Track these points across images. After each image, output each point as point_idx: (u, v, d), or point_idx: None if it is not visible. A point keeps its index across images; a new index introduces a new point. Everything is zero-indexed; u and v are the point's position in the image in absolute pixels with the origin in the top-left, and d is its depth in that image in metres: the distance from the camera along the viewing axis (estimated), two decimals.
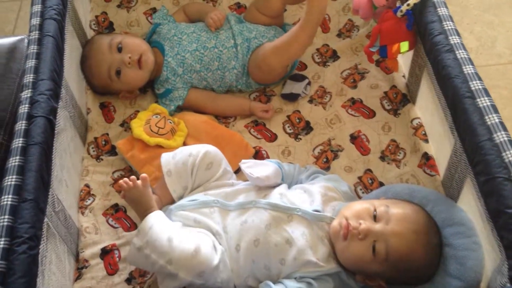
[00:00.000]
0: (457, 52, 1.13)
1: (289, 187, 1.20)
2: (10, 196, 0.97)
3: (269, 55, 1.39)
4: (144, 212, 1.08)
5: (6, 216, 0.94)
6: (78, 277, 1.17)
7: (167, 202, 1.18)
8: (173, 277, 1.00)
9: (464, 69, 1.09)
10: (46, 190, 1.03)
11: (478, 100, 1.03)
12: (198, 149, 1.19)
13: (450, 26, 1.18)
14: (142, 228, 1.04)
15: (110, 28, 1.63)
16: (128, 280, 1.16)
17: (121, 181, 1.11)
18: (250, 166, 1.16)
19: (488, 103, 1.02)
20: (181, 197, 1.18)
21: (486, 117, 1.00)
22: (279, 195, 1.12)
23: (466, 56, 1.12)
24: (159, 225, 1.04)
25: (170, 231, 1.03)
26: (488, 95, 1.04)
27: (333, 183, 1.18)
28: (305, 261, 1.03)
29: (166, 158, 1.19)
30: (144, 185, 1.11)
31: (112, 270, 1.18)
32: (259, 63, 1.42)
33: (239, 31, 1.46)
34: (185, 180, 1.17)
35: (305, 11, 1.32)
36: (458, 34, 1.17)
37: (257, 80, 1.47)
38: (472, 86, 1.05)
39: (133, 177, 1.12)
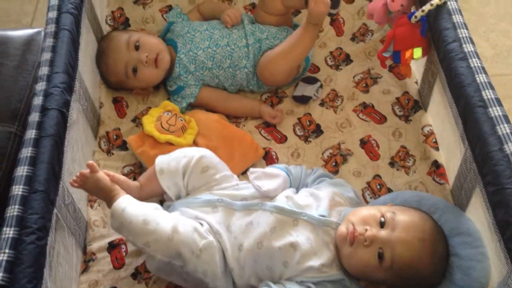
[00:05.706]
0: (470, 60, 1.12)
1: (296, 189, 1.20)
2: (21, 186, 0.98)
3: (272, 61, 1.39)
4: (109, 195, 1.08)
5: (17, 206, 0.95)
6: (85, 269, 1.18)
7: (148, 192, 1.18)
8: (153, 257, 1.03)
9: (477, 78, 1.08)
10: (56, 182, 1.04)
11: (490, 109, 1.02)
12: (193, 153, 1.18)
13: (465, 34, 1.18)
14: (114, 210, 1.04)
15: (125, 24, 1.64)
16: (134, 275, 1.17)
17: (70, 181, 1.11)
18: (259, 177, 1.15)
19: (500, 113, 1.01)
20: (178, 195, 1.17)
21: (498, 127, 0.99)
22: (285, 198, 1.12)
23: (479, 65, 1.11)
24: (131, 207, 1.04)
25: (145, 213, 1.03)
26: (500, 104, 1.03)
27: (338, 189, 1.18)
28: (308, 267, 1.03)
29: (160, 157, 1.19)
30: (94, 171, 1.10)
31: (118, 264, 1.19)
32: (262, 70, 1.42)
33: (251, 32, 1.47)
34: (176, 180, 1.16)
35: (306, 16, 1.35)
36: (472, 42, 1.16)
37: (265, 83, 1.47)
38: (484, 95, 1.05)
39: (80, 171, 1.11)
